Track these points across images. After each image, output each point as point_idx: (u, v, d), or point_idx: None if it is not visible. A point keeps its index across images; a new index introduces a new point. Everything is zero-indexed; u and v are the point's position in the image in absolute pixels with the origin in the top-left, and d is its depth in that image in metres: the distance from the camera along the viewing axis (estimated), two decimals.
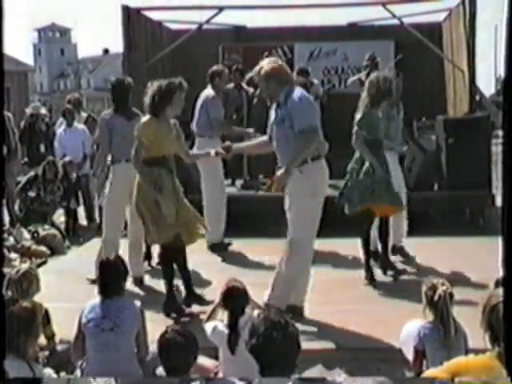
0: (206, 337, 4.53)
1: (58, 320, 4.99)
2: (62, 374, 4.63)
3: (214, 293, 5.00)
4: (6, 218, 9.95)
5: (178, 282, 6.10)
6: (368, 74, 10.49)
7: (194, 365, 3.86)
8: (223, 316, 4.62)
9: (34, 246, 8.70)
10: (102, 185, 7.39)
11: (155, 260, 7.33)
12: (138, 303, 4.63)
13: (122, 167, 6.75)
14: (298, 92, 5.49)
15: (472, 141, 9.23)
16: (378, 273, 6.97)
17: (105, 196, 7.08)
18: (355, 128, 6.78)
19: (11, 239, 8.79)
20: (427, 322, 4.29)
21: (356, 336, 5.37)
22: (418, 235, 7.76)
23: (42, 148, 11.27)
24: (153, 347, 4.30)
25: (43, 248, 8.73)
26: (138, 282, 6.84)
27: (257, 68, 5.67)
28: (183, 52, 11.95)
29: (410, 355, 4.34)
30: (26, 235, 8.96)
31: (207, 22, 11.68)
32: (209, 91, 8.21)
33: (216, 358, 4.57)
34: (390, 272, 7.01)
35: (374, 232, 7.17)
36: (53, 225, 9.56)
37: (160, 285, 6.40)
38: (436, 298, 4.24)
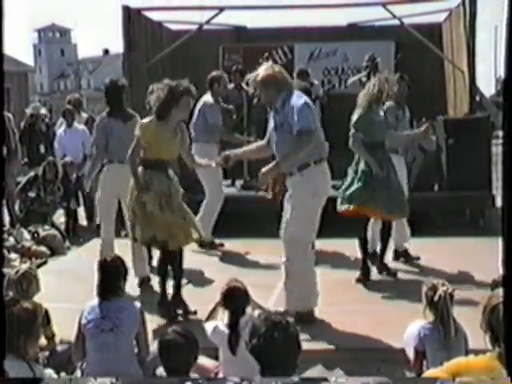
0: (206, 337, 4.53)
1: (57, 320, 4.99)
2: (62, 374, 4.63)
3: (214, 292, 5.00)
4: (6, 219, 9.95)
5: None
6: (368, 75, 10.52)
7: (194, 365, 3.86)
8: (223, 316, 4.62)
9: (34, 246, 8.70)
10: (96, 185, 7.42)
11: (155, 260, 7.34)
12: (137, 304, 4.63)
13: (113, 168, 6.82)
14: (296, 96, 5.46)
15: (472, 141, 9.24)
16: (375, 273, 6.98)
17: (97, 197, 7.13)
18: (352, 130, 6.78)
19: (11, 239, 8.79)
20: (427, 322, 4.29)
21: (356, 336, 5.37)
22: (418, 236, 7.75)
23: (42, 148, 11.28)
24: (153, 347, 4.30)
25: (43, 248, 8.73)
26: (146, 281, 6.82)
27: (254, 74, 5.66)
28: (183, 52, 11.95)
29: (411, 356, 4.34)
30: (26, 236, 8.96)
31: (207, 22, 11.69)
32: (207, 97, 8.23)
33: (216, 358, 4.57)
34: (384, 273, 7.02)
35: (375, 232, 7.18)
36: (53, 225, 9.56)
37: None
38: (436, 298, 4.24)
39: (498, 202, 9.21)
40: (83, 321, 4.50)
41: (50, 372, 4.29)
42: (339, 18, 12.84)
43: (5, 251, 7.98)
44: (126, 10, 10.80)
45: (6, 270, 5.27)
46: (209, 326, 4.62)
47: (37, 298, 4.87)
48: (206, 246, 8.16)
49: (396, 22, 11.40)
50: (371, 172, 6.67)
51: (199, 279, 7.01)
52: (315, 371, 4.51)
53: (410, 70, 11.07)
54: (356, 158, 6.84)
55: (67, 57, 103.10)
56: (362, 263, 6.92)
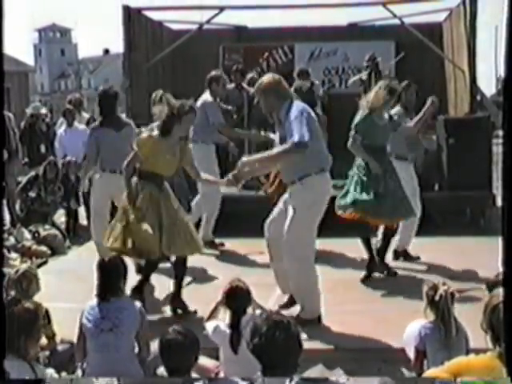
0: (206, 337, 4.53)
1: (58, 320, 4.99)
2: (63, 374, 4.63)
3: (215, 292, 5.00)
4: (7, 218, 9.96)
5: None
6: (369, 75, 10.52)
7: (195, 365, 3.86)
8: (224, 315, 4.62)
9: (34, 246, 8.70)
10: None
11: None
12: (137, 303, 4.63)
13: (105, 176, 6.89)
14: (297, 106, 5.41)
15: (473, 141, 9.23)
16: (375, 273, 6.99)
17: (90, 203, 7.25)
18: (352, 132, 6.77)
19: (12, 239, 8.79)
20: (428, 321, 4.29)
21: (357, 336, 5.37)
22: (419, 235, 7.74)
23: (43, 148, 11.27)
24: (154, 347, 4.30)
25: (44, 248, 8.73)
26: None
27: (257, 83, 5.68)
28: (184, 52, 11.94)
29: (412, 355, 4.34)
30: (27, 235, 8.95)
31: (208, 22, 11.68)
32: (206, 96, 8.23)
33: (217, 358, 4.57)
34: (384, 273, 7.03)
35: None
36: (53, 225, 9.56)
37: (163, 284, 6.41)
38: (437, 298, 4.24)
39: (499, 202, 9.20)
40: (83, 320, 4.51)
41: (50, 372, 4.30)
42: (339, 18, 12.84)
43: (5, 251, 7.98)
44: (127, 10, 10.80)
45: (6, 270, 5.28)
46: (210, 326, 4.62)
47: (37, 298, 4.87)
48: (206, 245, 8.18)
49: (396, 21, 11.39)
50: (371, 177, 6.66)
51: (200, 279, 7.02)
52: (316, 371, 4.53)
53: (411, 70, 11.11)
54: (356, 162, 6.83)
55: (68, 57, 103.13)
56: (368, 262, 6.93)
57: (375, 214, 6.67)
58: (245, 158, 5.55)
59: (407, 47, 11.75)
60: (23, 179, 10.11)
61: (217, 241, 8.39)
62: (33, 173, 10.06)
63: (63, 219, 10.15)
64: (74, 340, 4.73)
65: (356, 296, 6.40)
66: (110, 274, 4.60)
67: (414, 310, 4.69)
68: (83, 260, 7.57)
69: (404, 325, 4.53)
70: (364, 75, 10.74)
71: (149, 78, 11.13)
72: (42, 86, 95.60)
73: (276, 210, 5.74)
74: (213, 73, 8.50)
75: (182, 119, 5.80)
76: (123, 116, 8.01)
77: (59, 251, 8.88)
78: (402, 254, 7.57)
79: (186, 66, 12.20)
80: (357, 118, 6.82)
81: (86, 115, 11.58)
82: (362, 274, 6.94)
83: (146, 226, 5.61)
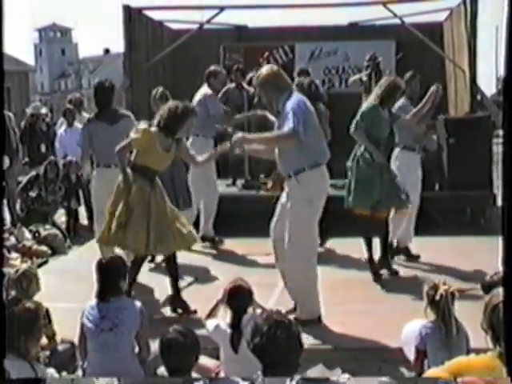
0: (207, 337, 4.53)
1: (58, 320, 4.99)
2: (64, 373, 4.63)
3: (215, 291, 5.01)
4: (8, 218, 9.96)
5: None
6: (370, 75, 10.52)
7: (195, 365, 3.86)
8: (224, 314, 4.62)
9: (35, 245, 8.70)
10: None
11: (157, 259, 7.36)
12: (138, 303, 4.63)
13: (100, 172, 6.88)
14: (295, 98, 5.42)
15: (473, 140, 9.23)
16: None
17: (92, 203, 7.26)
18: (357, 118, 6.76)
19: (12, 239, 8.79)
20: (429, 321, 4.29)
21: (357, 336, 5.37)
22: (419, 235, 7.74)
23: (43, 148, 11.27)
24: (154, 347, 4.30)
25: (44, 248, 8.73)
26: None
27: (256, 75, 5.69)
28: (184, 52, 11.94)
29: (411, 355, 4.34)
30: (27, 235, 8.95)
31: (208, 21, 11.68)
32: (205, 89, 8.28)
33: (217, 358, 4.57)
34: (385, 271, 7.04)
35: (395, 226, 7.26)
36: (54, 225, 9.56)
37: (162, 284, 6.41)
38: (437, 297, 4.24)
39: (499, 202, 9.20)
40: (84, 320, 4.51)
41: (51, 371, 4.30)
42: (340, 18, 12.83)
43: (6, 251, 7.98)
44: (127, 10, 10.80)
45: (6, 270, 5.28)
46: (210, 324, 4.63)
47: (38, 298, 4.87)
48: (208, 241, 8.31)
49: (397, 21, 11.38)
50: (373, 167, 6.67)
51: (200, 278, 7.02)
52: (316, 371, 4.52)
53: (411, 69, 11.09)
54: (357, 153, 6.82)
55: (68, 56, 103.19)
56: (370, 263, 6.94)
57: (381, 208, 6.72)
58: (240, 134, 5.56)
59: (408, 47, 11.74)
60: (24, 179, 10.11)
61: (217, 238, 8.43)
62: (33, 172, 10.06)
63: (64, 219, 10.15)
64: (75, 340, 4.74)
65: (356, 296, 6.40)
66: (109, 274, 4.59)
67: (414, 309, 4.69)
68: (84, 260, 7.57)
69: (404, 325, 4.53)
70: (364, 75, 10.73)
71: (149, 77, 11.12)
72: (42, 86, 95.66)
73: (278, 210, 5.73)
74: (211, 67, 8.58)
75: (184, 122, 5.80)
76: (122, 108, 7.97)
77: (60, 251, 8.88)
78: (403, 251, 7.56)
79: (187, 66, 12.19)
80: (364, 107, 6.81)
81: (86, 115, 11.54)
82: (363, 274, 6.94)
83: (133, 222, 5.64)
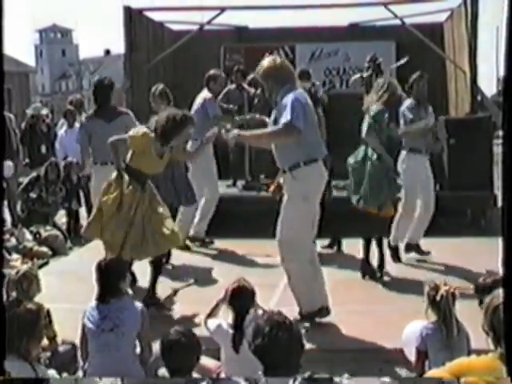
0: (208, 337, 4.53)
1: (59, 321, 4.99)
2: (65, 375, 4.63)
3: (216, 292, 5.01)
4: (8, 219, 9.96)
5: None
6: (371, 75, 10.51)
7: (196, 365, 3.86)
8: (225, 314, 4.62)
9: (35, 246, 8.70)
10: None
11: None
12: (139, 304, 4.63)
13: (97, 169, 6.95)
14: (294, 92, 5.38)
15: (474, 141, 9.23)
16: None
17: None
18: (369, 121, 6.75)
19: (13, 240, 8.79)
20: (429, 322, 4.29)
21: (358, 337, 5.36)
22: None
23: (43, 149, 11.27)
24: (155, 348, 4.30)
25: (45, 249, 8.73)
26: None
27: (258, 67, 5.68)
28: (185, 53, 11.96)
29: (412, 356, 4.34)
30: (28, 236, 8.95)
31: (209, 22, 11.69)
32: (205, 93, 8.31)
33: (218, 358, 4.57)
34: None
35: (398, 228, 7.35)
36: (54, 226, 9.56)
37: (164, 284, 6.41)
38: (438, 298, 4.24)
39: (500, 202, 9.19)
40: (85, 321, 4.51)
41: (52, 373, 4.30)
42: (340, 18, 12.84)
43: (6, 252, 7.98)
44: (128, 11, 10.81)
45: (7, 271, 5.28)
46: (211, 324, 4.62)
47: (38, 299, 4.87)
48: (197, 242, 8.34)
49: (397, 21, 11.40)
50: (383, 169, 6.74)
51: (201, 279, 7.01)
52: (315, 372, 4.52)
53: (412, 70, 11.08)
54: (359, 154, 6.83)
55: (68, 57, 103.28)
56: (367, 263, 6.97)
57: (386, 207, 6.83)
58: (236, 131, 5.55)
59: (408, 47, 11.73)
60: (24, 180, 10.11)
61: (213, 240, 8.50)
62: (34, 173, 10.06)
63: (64, 220, 10.16)
64: (76, 341, 4.74)
65: (357, 296, 6.40)
66: (109, 276, 4.59)
67: (415, 310, 4.69)
68: (84, 261, 7.56)
69: (405, 325, 4.53)
70: (365, 73, 10.73)
71: (150, 78, 11.12)
72: (42, 87, 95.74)
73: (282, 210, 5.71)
74: (211, 71, 8.59)
75: (182, 131, 5.80)
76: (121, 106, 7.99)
77: (60, 252, 8.89)
78: (414, 248, 7.59)
79: (187, 67, 12.20)
80: (375, 108, 6.80)
81: None
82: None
83: (115, 222, 5.67)
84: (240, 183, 10.52)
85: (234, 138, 5.52)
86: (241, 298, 4.52)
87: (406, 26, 11.17)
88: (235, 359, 4.35)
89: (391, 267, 7.18)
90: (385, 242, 7.18)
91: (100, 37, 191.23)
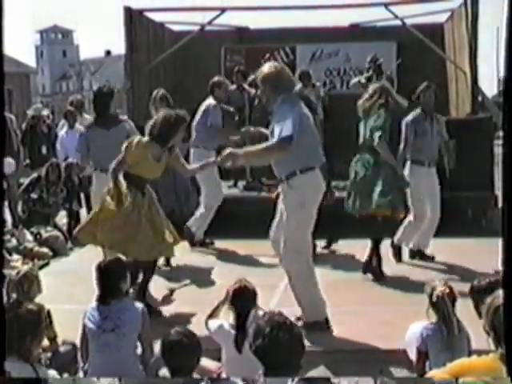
0: (208, 338, 4.52)
1: (60, 321, 4.99)
2: (65, 375, 4.63)
3: (216, 293, 5.01)
4: (9, 220, 9.96)
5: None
6: (371, 77, 10.51)
7: (197, 366, 3.85)
8: (226, 315, 4.62)
9: (36, 247, 8.70)
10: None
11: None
12: (139, 305, 4.63)
13: (98, 175, 6.97)
14: (291, 102, 5.36)
15: (474, 142, 9.23)
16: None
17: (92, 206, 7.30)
18: (378, 132, 6.77)
19: (14, 241, 8.80)
20: (430, 322, 4.29)
21: (358, 337, 5.36)
22: None
23: (44, 150, 11.27)
24: (155, 348, 4.30)
25: (45, 250, 8.73)
26: None
27: (258, 71, 5.66)
28: (185, 53, 11.96)
29: (413, 356, 4.33)
30: (29, 237, 8.95)
31: (209, 23, 11.70)
32: (209, 100, 8.30)
33: (218, 359, 4.57)
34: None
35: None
36: (55, 226, 9.56)
37: (162, 284, 6.41)
38: (438, 298, 4.24)
39: (501, 203, 9.18)
40: (85, 321, 4.51)
41: (53, 373, 4.30)
42: (341, 19, 12.86)
43: (7, 253, 7.99)
44: (128, 11, 10.82)
45: (7, 272, 5.28)
46: (212, 324, 4.63)
47: (39, 299, 4.87)
48: (197, 244, 8.35)
49: (398, 22, 11.40)
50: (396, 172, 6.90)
51: (201, 279, 7.02)
52: (317, 373, 4.51)
53: (412, 71, 11.11)
54: (363, 157, 6.84)
55: (69, 58, 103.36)
56: (371, 263, 6.98)
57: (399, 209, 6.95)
58: (228, 150, 5.45)
59: (409, 48, 11.75)
60: (25, 181, 10.11)
61: (214, 241, 8.49)
62: (35, 174, 10.06)
63: (65, 221, 10.16)
64: (76, 341, 4.74)
65: (357, 297, 6.39)
66: (109, 277, 4.59)
67: (415, 311, 4.68)
68: (85, 261, 7.55)
69: (406, 326, 4.53)
70: (363, 78, 10.72)
71: (150, 79, 11.13)
72: (43, 88, 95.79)
73: (278, 214, 5.71)
74: (215, 78, 8.57)
75: (178, 130, 5.82)
76: (121, 114, 8.03)
77: (61, 253, 8.88)
78: (418, 254, 7.61)
79: (188, 67, 12.20)
80: (380, 119, 6.81)
81: (87, 117, 11.58)
82: (363, 275, 6.95)
83: (116, 223, 5.72)
84: (241, 184, 10.52)
85: (228, 161, 5.46)
86: (242, 298, 4.52)
87: (406, 26, 11.18)
88: (237, 359, 4.35)
89: (390, 268, 7.17)
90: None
91: (100, 37, 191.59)
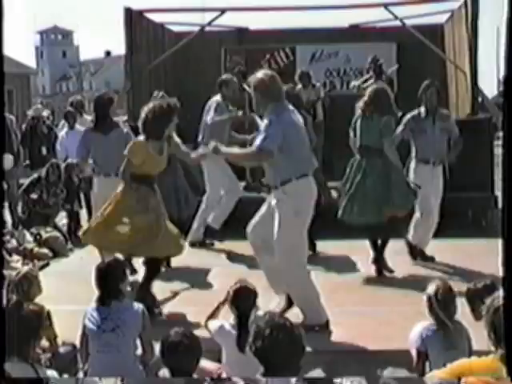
0: (208, 339, 4.52)
1: (60, 322, 4.99)
2: (65, 376, 4.63)
3: (216, 293, 5.01)
4: (9, 220, 9.96)
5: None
6: (367, 80, 10.52)
7: (196, 367, 3.85)
8: (226, 316, 4.62)
9: (36, 248, 8.70)
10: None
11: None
12: (139, 305, 4.63)
13: (100, 180, 7.13)
14: (278, 111, 5.36)
15: (474, 142, 9.21)
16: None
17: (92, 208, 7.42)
18: (389, 137, 6.81)
19: (14, 241, 8.79)
20: (430, 323, 4.29)
21: (359, 338, 5.36)
22: None
23: (44, 150, 11.28)
24: (156, 349, 4.30)
25: (45, 250, 8.72)
26: None
27: (251, 77, 5.69)
28: (185, 54, 11.95)
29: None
30: (29, 237, 8.95)
31: (209, 24, 11.68)
32: (216, 98, 8.41)
33: (218, 360, 4.57)
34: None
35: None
36: (55, 227, 9.56)
37: (162, 285, 6.41)
38: (439, 299, 4.24)
39: (501, 203, 9.18)
40: (86, 322, 4.51)
41: (53, 374, 4.30)
42: (341, 20, 12.84)
43: (7, 253, 7.98)
44: (128, 12, 10.80)
45: (7, 272, 5.28)
46: (213, 325, 4.63)
47: (39, 300, 4.87)
48: (197, 244, 8.41)
49: (398, 23, 11.38)
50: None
51: (202, 280, 7.02)
52: (315, 374, 4.52)
53: (412, 72, 11.11)
54: (369, 161, 6.85)
55: (69, 59, 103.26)
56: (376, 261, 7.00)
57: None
58: (213, 143, 5.61)
59: (408, 49, 11.74)
60: (25, 181, 10.11)
61: (215, 242, 8.55)
62: (35, 175, 10.05)
63: (65, 221, 10.16)
64: (76, 342, 4.74)
65: (358, 298, 6.40)
66: (109, 278, 4.59)
67: (416, 311, 4.69)
68: (85, 262, 7.55)
69: (406, 327, 4.53)
70: (361, 82, 10.72)
71: (150, 80, 11.12)
72: (43, 88, 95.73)
73: (259, 214, 5.72)
74: (223, 76, 8.69)
75: (171, 119, 5.84)
76: (120, 118, 8.15)
77: (61, 253, 8.88)
78: (419, 254, 7.59)
79: (188, 68, 12.20)
80: (385, 122, 6.81)
81: (87, 117, 11.58)
82: (364, 275, 6.95)
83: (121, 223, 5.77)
84: (241, 184, 10.51)
85: (214, 151, 5.58)
86: (244, 299, 4.53)
87: (406, 27, 11.17)
88: (239, 360, 4.35)
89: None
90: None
91: (101, 38, 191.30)
